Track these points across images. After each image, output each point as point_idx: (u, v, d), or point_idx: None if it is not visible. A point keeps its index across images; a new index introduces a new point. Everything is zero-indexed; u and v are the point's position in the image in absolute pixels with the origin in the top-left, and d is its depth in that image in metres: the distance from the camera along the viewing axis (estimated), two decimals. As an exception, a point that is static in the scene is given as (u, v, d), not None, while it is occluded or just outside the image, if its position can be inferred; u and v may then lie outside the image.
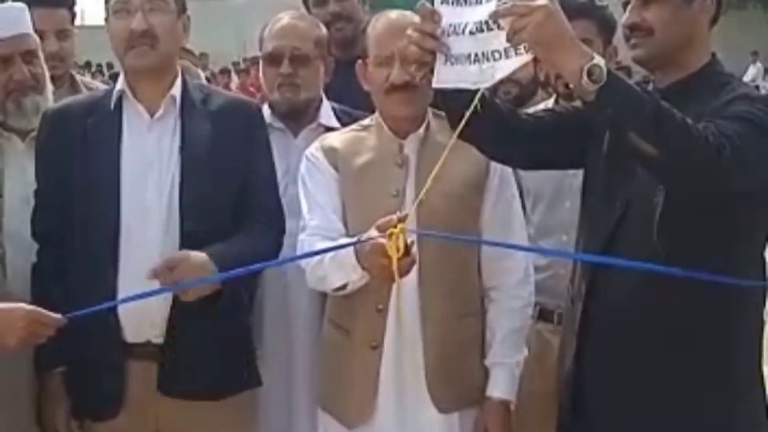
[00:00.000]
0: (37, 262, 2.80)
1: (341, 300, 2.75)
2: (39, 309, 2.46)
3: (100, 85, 3.79)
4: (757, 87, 21.83)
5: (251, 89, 16.17)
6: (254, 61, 17.54)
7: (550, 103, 3.31)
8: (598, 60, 2.11)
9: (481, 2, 2.30)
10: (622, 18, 2.52)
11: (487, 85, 2.30)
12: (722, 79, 2.47)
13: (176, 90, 2.75)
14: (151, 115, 2.75)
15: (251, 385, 2.89)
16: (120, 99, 2.76)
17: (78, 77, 3.68)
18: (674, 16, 2.42)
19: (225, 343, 2.76)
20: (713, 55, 2.52)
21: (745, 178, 2.19)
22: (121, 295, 2.62)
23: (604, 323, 2.50)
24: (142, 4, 2.65)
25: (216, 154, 2.72)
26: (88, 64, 19.92)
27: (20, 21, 2.96)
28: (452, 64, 2.33)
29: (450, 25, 2.35)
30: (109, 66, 21.43)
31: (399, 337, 2.71)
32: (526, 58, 2.21)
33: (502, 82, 3.26)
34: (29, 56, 2.94)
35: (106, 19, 2.76)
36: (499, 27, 2.22)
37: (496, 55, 2.26)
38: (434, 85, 2.35)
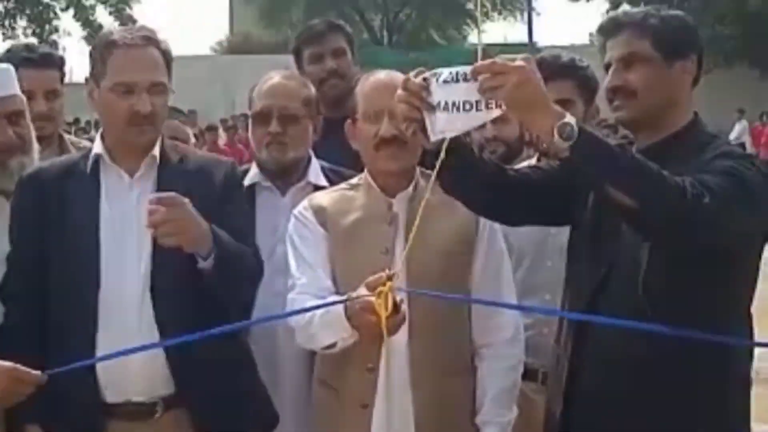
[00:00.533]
0: (6, 323, 2.76)
1: (331, 359, 2.73)
2: (19, 366, 2.45)
3: (88, 144, 3.79)
4: (742, 144, 22.05)
5: (239, 146, 16.28)
6: (243, 118, 17.73)
7: (533, 160, 3.32)
8: (569, 118, 2.16)
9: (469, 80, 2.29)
10: (605, 80, 2.56)
11: (453, 135, 2.31)
12: (705, 139, 2.49)
13: (156, 150, 2.77)
14: (131, 175, 2.76)
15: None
16: (96, 162, 2.77)
17: (66, 137, 3.69)
18: (656, 79, 2.46)
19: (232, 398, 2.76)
20: (695, 114, 2.55)
21: (726, 232, 2.23)
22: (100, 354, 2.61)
23: (592, 381, 2.50)
24: (147, 88, 2.67)
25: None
26: (76, 121, 20.00)
27: (6, 82, 2.96)
28: (443, 110, 2.32)
29: (440, 103, 2.33)
30: (97, 124, 21.55)
31: (389, 396, 2.67)
32: (495, 112, 2.24)
33: (487, 140, 3.31)
34: (15, 117, 2.94)
35: (88, 81, 2.78)
36: (474, 79, 2.25)
37: (467, 106, 2.29)
38: (433, 139, 2.34)
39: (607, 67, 2.55)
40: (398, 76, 2.64)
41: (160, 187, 2.71)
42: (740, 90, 25.36)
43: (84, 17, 32.24)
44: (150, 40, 2.73)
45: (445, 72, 2.30)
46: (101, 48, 2.73)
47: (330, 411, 2.79)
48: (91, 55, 2.76)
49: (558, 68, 3.18)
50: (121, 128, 2.71)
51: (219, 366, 2.69)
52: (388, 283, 2.31)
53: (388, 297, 2.29)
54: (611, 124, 9.31)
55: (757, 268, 2.50)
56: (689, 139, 2.48)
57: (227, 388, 2.72)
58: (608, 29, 2.58)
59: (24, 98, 3.03)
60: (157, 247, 2.64)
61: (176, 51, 2.88)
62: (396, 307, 2.31)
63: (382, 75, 2.81)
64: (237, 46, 37.70)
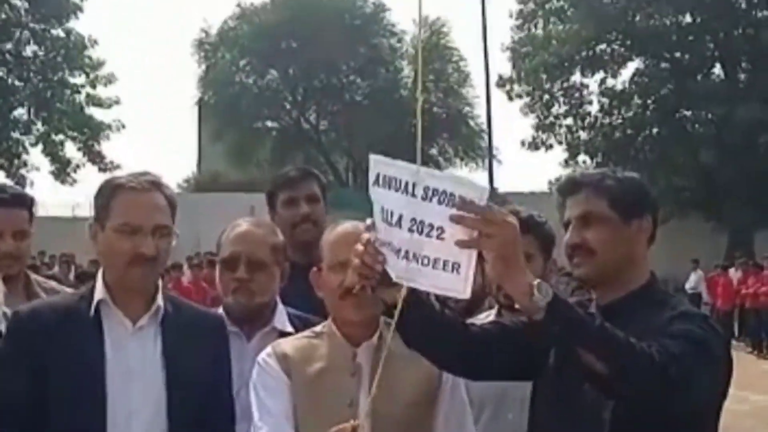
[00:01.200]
0: None
1: None
2: None
3: (55, 286, 3.82)
4: (699, 294, 22.37)
5: (203, 284, 16.24)
6: (208, 257, 17.75)
7: (492, 313, 3.39)
8: (538, 294, 2.24)
9: (427, 199, 2.37)
10: (564, 237, 2.65)
11: (406, 284, 2.38)
12: (661, 297, 2.59)
13: (160, 301, 2.82)
14: (133, 323, 2.78)
15: None
16: (98, 306, 2.78)
17: (33, 276, 3.71)
18: (614, 237, 2.56)
19: None
20: (652, 273, 2.64)
21: (691, 396, 2.29)
22: None
23: None
24: (152, 231, 2.74)
25: (196, 369, 2.77)
26: (41, 254, 19.94)
27: None
28: (382, 246, 2.41)
29: (383, 209, 2.43)
30: (62, 256, 21.49)
31: None
32: (453, 282, 2.32)
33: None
34: None
35: (91, 225, 2.82)
36: (437, 237, 2.33)
37: (425, 261, 2.36)
38: (395, 279, 2.41)
39: (566, 225, 2.64)
40: (362, 228, 2.71)
41: (164, 341, 2.77)
42: (695, 240, 25.84)
43: (53, 152, 32.43)
44: (155, 184, 2.81)
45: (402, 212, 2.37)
46: (107, 191, 2.79)
47: None
48: (96, 198, 2.82)
49: (519, 223, 3.27)
50: (123, 269, 2.74)
51: None
52: None
53: None
54: (569, 272, 9.45)
55: (716, 425, 2.55)
56: (648, 298, 2.56)
57: None
58: (567, 189, 2.68)
59: None
60: (172, 401, 2.70)
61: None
62: None
63: (347, 226, 2.85)
64: (204, 183, 38.06)
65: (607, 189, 2.59)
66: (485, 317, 3.42)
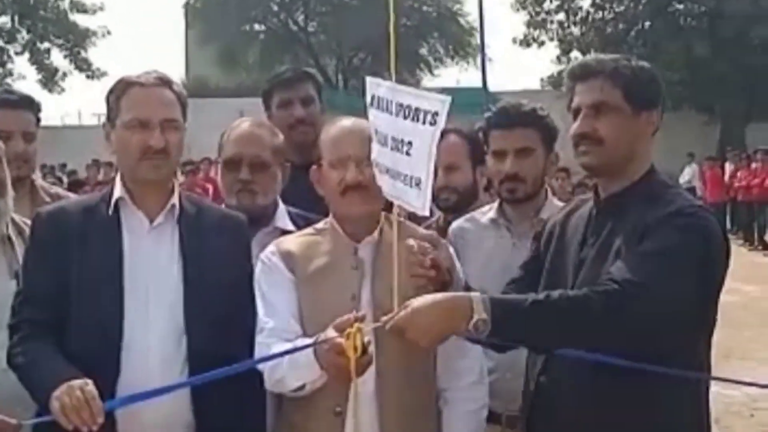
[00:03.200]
0: (30, 347, 2.69)
1: (298, 403, 2.76)
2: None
3: (59, 191, 3.88)
4: (693, 188, 22.46)
5: (205, 184, 16.42)
6: (206, 162, 17.82)
7: (495, 206, 3.41)
8: (477, 315, 2.32)
9: (399, 115, 2.47)
10: (571, 126, 2.63)
11: (395, 202, 2.55)
12: (659, 189, 2.59)
13: (175, 199, 2.85)
14: (150, 222, 2.83)
15: None
16: (117, 204, 2.83)
17: (37, 182, 3.73)
18: (623, 128, 2.55)
19: None
20: (651, 164, 2.65)
21: (660, 307, 2.35)
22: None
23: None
24: (161, 123, 2.76)
25: (214, 264, 2.81)
26: (42, 166, 19.95)
27: None
28: (375, 167, 2.58)
29: (376, 131, 2.54)
30: (62, 166, 21.49)
31: None
32: (415, 197, 2.45)
33: (439, 189, 3.42)
34: None
35: (105, 125, 2.87)
36: (406, 153, 2.43)
37: (402, 178, 2.48)
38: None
39: (575, 111, 2.62)
40: (362, 123, 2.76)
41: (181, 238, 2.81)
42: (688, 134, 25.83)
43: (39, 60, 32.07)
44: (163, 80, 2.84)
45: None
46: (117, 90, 2.83)
47: (297, 455, 2.81)
48: (107, 98, 2.85)
49: (520, 117, 3.27)
50: (134, 163, 2.79)
51: (236, 408, 2.76)
52: (356, 325, 2.39)
53: (356, 338, 2.37)
54: (563, 168, 9.46)
55: (715, 316, 2.60)
56: (645, 189, 2.58)
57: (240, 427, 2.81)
58: (579, 74, 2.64)
59: (2, 145, 3.08)
60: (188, 297, 2.75)
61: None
62: (364, 348, 2.39)
63: (346, 122, 2.86)
64: (192, 89, 37.69)
65: (623, 78, 2.56)
66: (488, 210, 3.44)
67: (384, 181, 2.55)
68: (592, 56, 2.67)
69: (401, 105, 2.47)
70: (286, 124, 3.81)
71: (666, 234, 2.41)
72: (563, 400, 2.60)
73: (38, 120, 3.76)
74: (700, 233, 2.45)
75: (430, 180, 2.43)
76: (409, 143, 2.45)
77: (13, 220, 3.08)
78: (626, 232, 2.47)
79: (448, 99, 2.42)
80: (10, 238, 3.04)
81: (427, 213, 2.52)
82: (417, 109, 2.43)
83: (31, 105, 3.72)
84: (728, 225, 21.33)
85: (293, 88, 4.00)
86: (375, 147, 2.55)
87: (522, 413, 2.85)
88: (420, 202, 2.45)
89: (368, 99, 2.57)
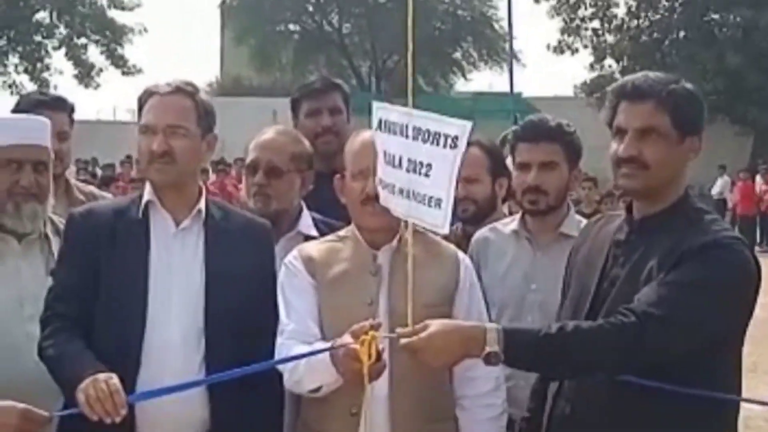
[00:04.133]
0: (59, 340, 2.81)
1: (315, 404, 2.85)
2: (29, 407, 2.58)
3: (94, 190, 4.02)
4: (724, 200, 22.30)
5: (228, 188, 16.51)
6: (239, 162, 17.96)
7: (517, 218, 3.49)
8: (490, 346, 2.40)
9: (417, 139, 2.60)
10: (614, 146, 2.63)
11: (410, 221, 2.66)
12: (696, 215, 2.60)
13: (202, 204, 2.97)
14: (177, 225, 2.95)
15: None
16: (146, 207, 2.96)
17: (72, 181, 3.85)
18: (669, 154, 2.57)
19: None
20: (686, 189, 2.67)
21: (683, 339, 2.41)
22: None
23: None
24: (163, 129, 2.89)
25: (237, 268, 2.92)
26: (76, 161, 20.17)
27: (40, 133, 3.16)
28: (382, 188, 2.71)
29: (385, 153, 2.67)
30: (95, 161, 21.76)
31: None
32: (435, 217, 2.59)
33: (458, 200, 3.52)
34: (40, 166, 3.12)
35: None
36: (425, 175, 2.58)
37: (419, 199, 2.61)
38: (381, 202, 2.72)
39: (618, 130, 2.61)
40: None
41: (206, 242, 2.93)
42: (720, 145, 25.62)
43: (76, 56, 32.39)
44: (179, 89, 2.96)
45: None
46: (143, 98, 2.98)
47: (314, 455, 2.90)
48: (138, 107, 2.99)
49: (545, 132, 3.34)
50: (144, 167, 2.95)
51: (253, 409, 2.86)
52: (371, 332, 2.49)
53: (371, 345, 2.47)
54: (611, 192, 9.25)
55: (738, 350, 2.63)
56: (681, 214, 2.60)
57: (255, 429, 2.90)
58: (629, 93, 2.61)
59: (52, 153, 3.20)
60: (210, 300, 2.86)
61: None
62: (378, 355, 2.49)
63: (367, 135, 2.93)
64: (227, 87, 37.97)
65: (672, 104, 2.55)
66: (510, 221, 3.53)
67: (392, 201, 2.68)
68: (642, 76, 2.64)
69: (419, 129, 2.60)
70: (313, 133, 3.92)
71: (699, 265, 2.44)
72: (580, 410, 2.65)
73: (72, 120, 3.90)
74: (734, 267, 2.47)
75: (451, 200, 2.56)
76: (429, 165, 2.59)
77: (51, 220, 3.20)
78: (659, 257, 2.50)
79: (469, 124, 2.55)
80: (47, 237, 3.16)
81: (446, 231, 2.65)
82: (437, 134, 2.57)
83: (64, 106, 3.86)
84: (758, 238, 21.20)
85: (321, 98, 4.10)
86: (383, 168, 2.68)
87: (530, 413, 2.93)
88: (440, 220, 2.59)
89: (375, 123, 2.69)
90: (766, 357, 8.28)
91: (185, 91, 2.96)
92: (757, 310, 2.58)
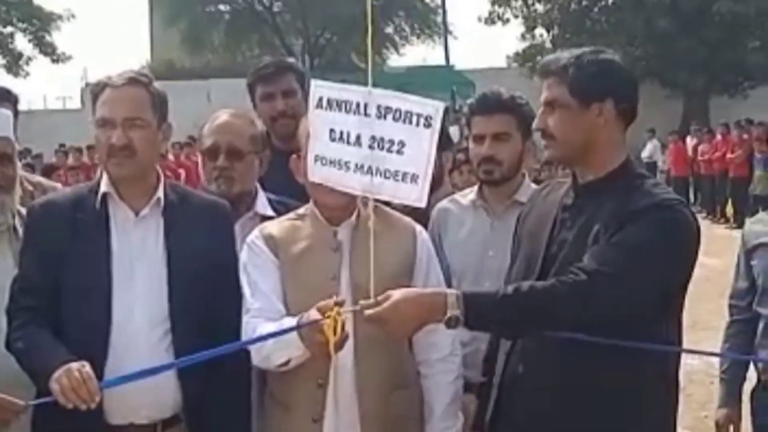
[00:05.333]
0: (28, 333, 2.84)
1: (281, 376, 2.93)
2: (4, 396, 2.64)
3: (42, 181, 4.02)
4: (654, 163, 22.66)
5: (177, 169, 16.54)
6: (176, 146, 17.92)
7: (475, 189, 3.60)
8: (451, 311, 2.51)
9: (383, 117, 2.69)
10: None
11: (370, 197, 2.74)
12: (638, 180, 2.74)
13: (160, 192, 3.00)
14: (136, 214, 2.97)
15: None
16: (104, 198, 2.97)
17: (20, 173, 3.83)
18: (572, 123, 2.71)
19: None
20: (627, 156, 2.80)
21: (619, 300, 2.54)
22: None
23: (522, 397, 2.79)
24: (122, 122, 2.90)
25: (198, 253, 2.96)
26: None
27: (1, 125, 3.16)
28: (323, 164, 2.76)
29: (331, 131, 2.75)
30: (28, 151, 21.40)
31: (338, 410, 2.92)
32: (411, 191, 2.69)
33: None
34: (4, 159, 3.13)
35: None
36: (397, 152, 2.69)
37: (387, 174, 2.71)
38: (310, 178, 2.78)
39: (539, 107, 2.80)
40: None
41: (166, 229, 2.96)
42: (651, 109, 25.92)
43: (3, 45, 31.79)
44: (134, 81, 2.96)
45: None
46: (95, 91, 2.98)
47: (281, 426, 3.00)
48: (92, 101, 2.99)
49: (498, 104, 3.46)
50: (105, 161, 2.96)
51: (222, 387, 2.93)
52: (336, 308, 2.59)
53: (336, 320, 2.57)
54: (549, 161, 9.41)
55: (683, 302, 2.77)
56: (624, 178, 2.73)
57: (225, 407, 2.97)
58: (540, 73, 2.81)
59: (14, 142, 3.21)
60: (173, 285, 2.90)
61: (98, 77, 3.10)
62: (342, 328, 2.59)
63: None
64: (159, 72, 37.44)
65: (569, 76, 2.69)
66: (469, 192, 3.64)
67: (344, 177, 2.76)
68: (557, 54, 2.81)
69: (387, 108, 2.69)
70: (269, 117, 4.00)
71: (643, 226, 2.57)
72: (532, 368, 2.77)
73: (17, 112, 3.86)
74: (677, 227, 2.61)
75: (429, 176, 2.70)
76: (401, 143, 2.70)
77: (18, 212, 3.20)
78: (605, 220, 2.62)
79: (442, 105, 2.71)
80: (16, 229, 3.17)
81: (423, 205, 2.77)
82: (408, 113, 2.69)
83: (8, 97, 3.84)
84: (692, 198, 21.64)
85: (275, 81, 4.15)
86: (326, 145, 2.75)
87: (485, 377, 3.05)
88: (417, 194, 2.71)
89: (313, 102, 2.75)
90: (705, 314, 8.57)
91: (140, 81, 2.97)
92: (696, 269, 2.71)
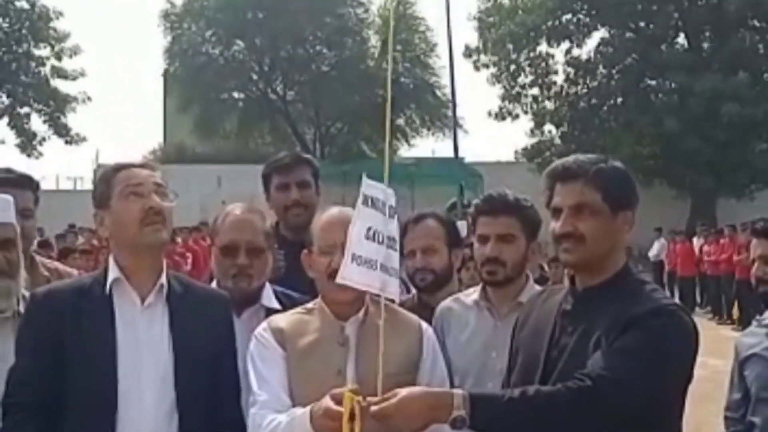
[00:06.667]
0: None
1: None
2: None
3: (59, 267, 4.05)
4: (661, 262, 22.60)
5: (185, 253, 16.57)
6: (185, 231, 17.96)
7: (478, 289, 3.62)
8: (457, 411, 2.53)
9: (392, 216, 2.80)
10: (552, 224, 2.83)
11: (383, 294, 2.81)
12: (637, 286, 2.80)
13: (164, 279, 3.04)
14: (142, 301, 3.00)
15: None
16: (110, 286, 3.00)
17: (37, 259, 3.89)
18: (604, 228, 2.76)
19: None
20: (626, 261, 2.87)
21: (630, 399, 2.57)
22: None
23: None
24: (155, 189, 2.99)
25: (201, 341, 3.00)
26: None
27: (4, 211, 3.21)
28: (358, 264, 2.78)
29: (369, 228, 2.80)
30: (40, 232, 21.47)
31: None
32: (395, 286, 2.84)
33: (417, 270, 3.67)
34: (7, 244, 3.18)
35: (96, 214, 3.05)
36: (395, 249, 2.81)
37: (392, 272, 2.80)
38: (338, 280, 2.79)
39: (555, 210, 2.82)
40: (349, 212, 2.99)
41: (171, 317, 3.00)
42: (659, 208, 26.12)
43: (18, 125, 32.19)
44: (146, 164, 3.09)
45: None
46: (106, 175, 3.05)
47: None
48: (96, 188, 3.07)
49: (503, 205, 3.50)
50: (136, 230, 2.97)
51: None
52: (348, 393, 2.62)
53: (351, 405, 2.59)
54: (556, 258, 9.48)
55: (680, 407, 2.80)
56: (623, 284, 2.79)
57: None
58: (561, 175, 2.84)
59: (17, 228, 3.26)
60: (179, 372, 2.93)
61: (109, 160, 3.24)
62: (353, 414, 2.60)
63: (334, 211, 3.12)
64: (170, 155, 37.90)
65: (602, 181, 2.76)
66: (472, 292, 3.66)
67: (370, 276, 2.79)
68: (572, 158, 2.86)
69: (392, 207, 2.79)
70: (283, 206, 4.10)
71: (645, 332, 2.61)
72: None
73: (37, 198, 3.94)
74: (678, 334, 2.67)
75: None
76: (394, 239, 2.82)
77: (24, 297, 3.22)
78: (606, 326, 2.66)
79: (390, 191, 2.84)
80: (20, 315, 3.17)
81: (398, 299, 2.91)
82: (391, 207, 2.83)
83: (29, 184, 3.91)
84: (698, 299, 21.56)
85: (290, 173, 4.26)
86: (362, 244, 2.78)
87: None
88: (395, 289, 2.84)
89: (361, 198, 2.81)
90: (709, 415, 8.48)
91: (150, 165, 3.10)
92: (698, 370, 2.76)
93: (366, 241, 2.79)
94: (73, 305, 2.97)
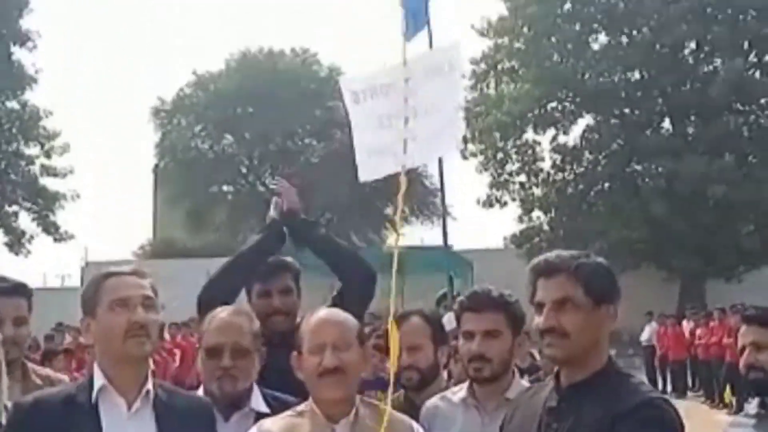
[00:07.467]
0: None
1: None
2: None
3: (50, 374, 4.01)
4: (653, 347, 22.43)
5: (173, 349, 16.41)
6: (173, 327, 17.82)
7: (465, 387, 3.61)
8: None
9: (387, 91, 2.64)
10: (536, 319, 2.85)
11: (411, 167, 2.65)
12: (621, 380, 2.81)
13: (150, 385, 3.03)
14: (129, 407, 2.99)
15: None
16: (97, 393, 2.98)
17: (30, 366, 3.87)
18: (586, 322, 2.78)
19: None
20: (609, 356, 2.87)
21: None
22: None
23: None
24: (141, 302, 2.99)
25: None
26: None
27: None
28: (369, 156, 2.72)
29: (378, 117, 2.71)
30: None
31: None
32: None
33: (402, 369, 3.62)
34: None
35: (83, 320, 3.07)
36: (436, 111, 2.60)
37: (409, 138, 2.64)
38: (361, 179, 2.63)
39: (538, 305, 2.85)
40: (338, 313, 3.04)
41: (157, 423, 2.97)
42: (648, 291, 26.10)
43: (6, 223, 32.14)
44: (136, 271, 3.09)
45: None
46: (95, 282, 3.06)
47: None
48: (84, 295, 3.07)
49: (488, 301, 3.51)
50: (120, 341, 2.97)
51: None
52: None
53: None
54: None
55: None
56: (607, 379, 2.80)
57: None
58: (542, 270, 2.87)
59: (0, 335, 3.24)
60: None
61: (98, 256, 3.23)
62: None
63: (322, 312, 3.14)
64: (160, 250, 37.90)
65: (584, 275, 2.80)
66: (458, 390, 3.65)
67: (382, 165, 2.69)
68: (554, 253, 2.90)
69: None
70: (264, 313, 4.07)
71: (635, 424, 2.63)
72: None
73: (30, 305, 3.92)
74: (664, 425, 2.69)
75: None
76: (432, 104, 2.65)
77: (6, 407, 3.18)
78: (593, 421, 2.67)
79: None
80: (2, 426, 3.13)
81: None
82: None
83: (23, 292, 3.90)
84: (690, 383, 21.39)
85: (271, 280, 4.27)
86: (372, 133, 2.69)
87: None
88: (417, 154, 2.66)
89: (349, 99, 2.68)
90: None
91: (139, 272, 3.11)
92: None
93: (380, 130, 2.66)
94: (59, 415, 2.94)
